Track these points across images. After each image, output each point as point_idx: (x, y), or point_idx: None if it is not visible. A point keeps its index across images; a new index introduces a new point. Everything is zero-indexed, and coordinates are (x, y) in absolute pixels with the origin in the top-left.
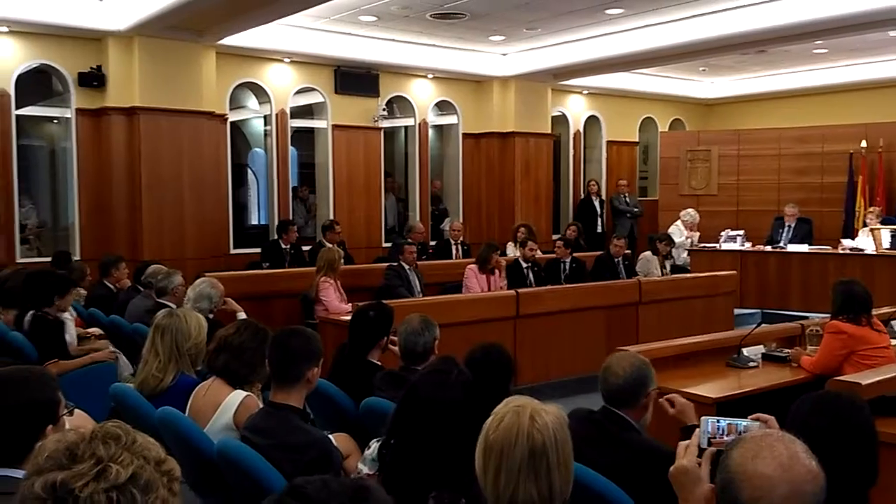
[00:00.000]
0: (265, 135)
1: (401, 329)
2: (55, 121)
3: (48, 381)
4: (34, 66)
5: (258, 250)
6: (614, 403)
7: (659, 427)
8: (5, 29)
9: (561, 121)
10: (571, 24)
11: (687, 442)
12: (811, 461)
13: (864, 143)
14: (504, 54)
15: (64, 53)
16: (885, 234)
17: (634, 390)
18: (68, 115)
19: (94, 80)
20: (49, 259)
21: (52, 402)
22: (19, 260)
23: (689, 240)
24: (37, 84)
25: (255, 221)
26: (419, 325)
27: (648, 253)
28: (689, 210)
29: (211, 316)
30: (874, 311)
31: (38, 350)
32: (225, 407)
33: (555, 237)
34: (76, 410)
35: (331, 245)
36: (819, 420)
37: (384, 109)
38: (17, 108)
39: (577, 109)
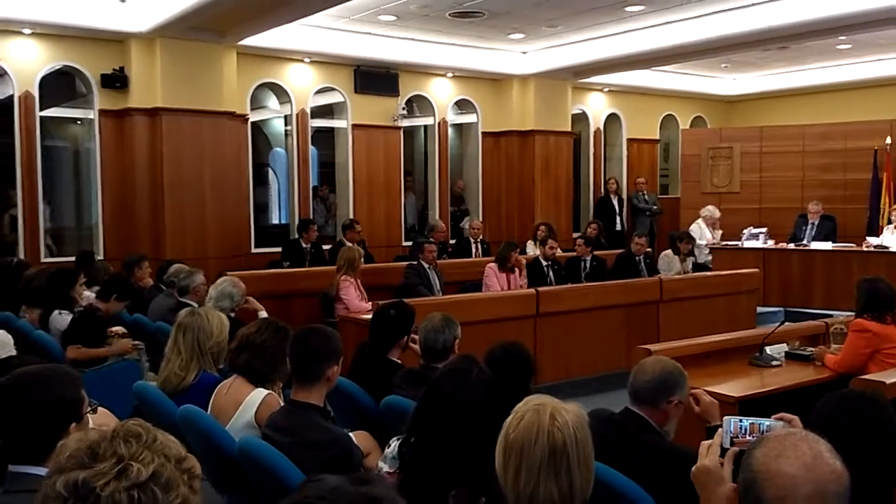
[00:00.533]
0: (286, 134)
1: (422, 326)
2: (78, 122)
3: (72, 379)
4: (57, 67)
5: (279, 249)
6: (637, 400)
7: (683, 427)
8: (28, 31)
9: (581, 119)
10: (591, 22)
11: (709, 441)
12: (835, 461)
13: (888, 140)
14: (524, 52)
15: (87, 55)
16: None
17: (657, 390)
18: (91, 116)
19: (116, 81)
20: (72, 259)
21: (76, 401)
22: (44, 260)
23: (713, 237)
24: (60, 85)
25: (275, 221)
26: (440, 323)
27: (669, 251)
28: (709, 207)
29: (232, 315)
30: None
31: (79, 339)
32: (246, 405)
33: (575, 235)
34: (99, 408)
35: (351, 244)
36: (843, 419)
37: (404, 108)
38: (41, 109)
39: (597, 107)
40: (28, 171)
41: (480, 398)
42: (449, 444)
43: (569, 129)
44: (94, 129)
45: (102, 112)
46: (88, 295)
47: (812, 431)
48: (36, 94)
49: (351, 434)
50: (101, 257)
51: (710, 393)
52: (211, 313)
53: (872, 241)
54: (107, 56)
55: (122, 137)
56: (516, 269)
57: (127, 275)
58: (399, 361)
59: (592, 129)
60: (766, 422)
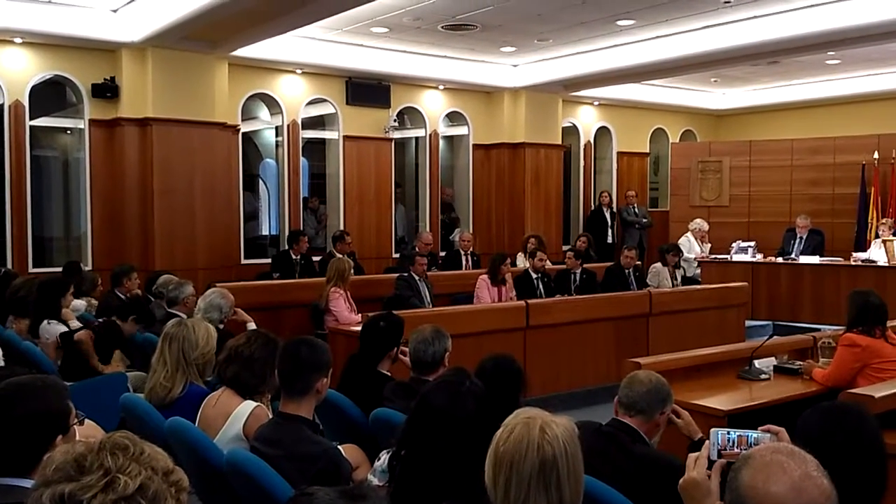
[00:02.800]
0: (276, 145)
1: (412, 338)
2: (68, 131)
3: (59, 390)
4: (48, 77)
5: (268, 261)
6: (631, 411)
7: (667, 442)
8: (20, 40)
9: (571, 132)
10: (583, 36)
11: (697, 454)
12: (823, 479)
13: (876, 154)
14: (515, 65)
15: (78, 64)
16: None
17: (654, 400)
18: (81, 126)
19: (107, 91)
20: (59, 269)
21: (64, 413)
22: (31, 270)
23: (702, 251)
24: (51, 95)
25: (265, 232)
26: (430, 336)
27: (659, 264)
28: (697, 220)
29: (221, 326)
30: (888, 324)
31: (100, 354)
32: (235, 417)
33: (565, 248)
34: (86, 420)
35: (341, 255)
36: (826, 431)
37: (395, 120)
38: (31, 118)
39: (587, 120)
40: (17, 180)
41: (471, 411)
42: (439, 457)
43: (559, 142)
44: (84, 138)
45: (92, 122)
46: (79, 304)
47: (797, 445)
48: (26, 103)
49: (340, 447)
50: (89, 267)
51: (699, 406)
52: (198, 324)
53: (860, 256)
54: (98, 66)
55: (113, 147)
56: (507, 281)
57: (76, 280)
58: (389, 374)
59: (583, 143)
60: (753, 434)
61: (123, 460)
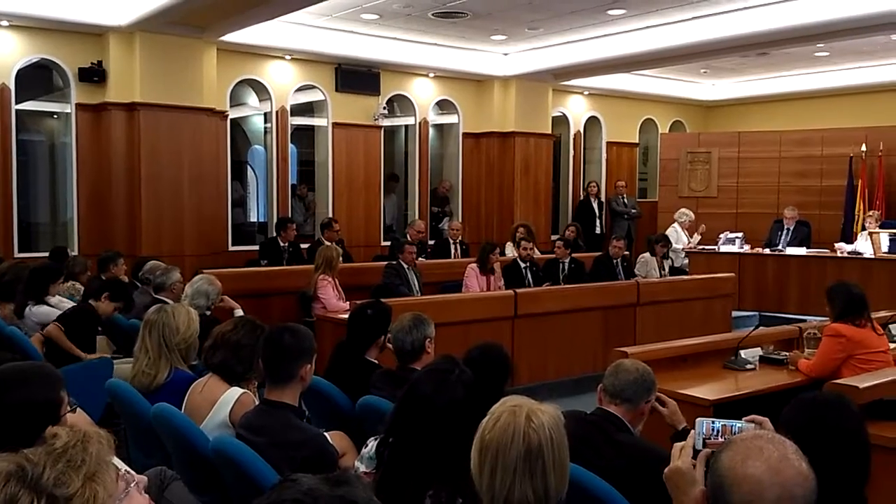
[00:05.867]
0: (265, 132)
1: (393, 328)
2: (55, 116)
3: (54, 379)
4: (34, 60)
5: (256, 248)
6: (617, 399)
7: (651, 431)
8: (6, 23)
9: (561, 121)
10: (573, 25)
11: (682, 443)
12: (802, 462)
13: (864, 147)
14: (505, 54)
15: (64, 48)
16: (884, 238)
17: (640, 389)
18: (68, 111)
19: (94, 75)
20: (45, 254)
21: (55, 402)
22: (17, 255)
23: (690, 241)
24: (37, 79)
25: (253, 219)
26: (408, 324)
27: (647, 254)
28: (683, 210)
29: (208, 313)
30: (873, 315)
31: (69, 333)
32: (221, 404)
33: (554, 237)
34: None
35: (329, 243)
36: (811, 422)
37: (385, 108)
38: (17, 102)
39: (577, 110)
40: (2, 164)
41: (460, 399)
42: (427, 444)
43: (549, 131)
44: (70, 123)
45: (79, 106)
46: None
47: (781, 435)
48: (12, 86)
49: (327, 434)
50: (75, 253)
51: (685, 395)
52: (178, 309)
53: (844, 247)
54: (85, 49)
55: (99, 132)
56: (496, 271)
57: (65, 265)
58: (376, 361)
59: (572, 132)
60: (737, 423)
61: (15, 489)
